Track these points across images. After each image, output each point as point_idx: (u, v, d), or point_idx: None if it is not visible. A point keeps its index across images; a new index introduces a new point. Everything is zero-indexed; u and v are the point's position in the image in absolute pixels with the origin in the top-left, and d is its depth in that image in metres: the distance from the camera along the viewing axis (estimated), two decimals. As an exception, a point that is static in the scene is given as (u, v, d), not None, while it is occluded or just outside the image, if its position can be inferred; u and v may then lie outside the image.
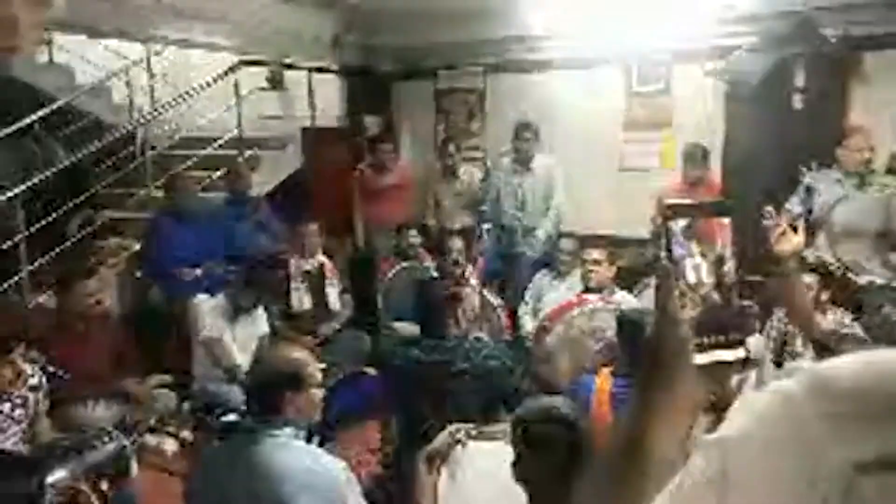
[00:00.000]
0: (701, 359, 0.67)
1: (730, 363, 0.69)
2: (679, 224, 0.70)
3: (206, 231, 4.43)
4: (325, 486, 1.89)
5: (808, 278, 3.44)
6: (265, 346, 3.79)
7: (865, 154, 3.80)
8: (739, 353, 0.69)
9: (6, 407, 2.46)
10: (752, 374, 2.96)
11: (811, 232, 3.94)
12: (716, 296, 0.69)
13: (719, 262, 0.70)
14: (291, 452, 1.90)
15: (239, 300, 3.85)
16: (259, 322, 4.08)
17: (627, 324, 2.49)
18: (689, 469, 0.50)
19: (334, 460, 2.02)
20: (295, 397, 1.96)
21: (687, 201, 0.73)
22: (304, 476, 1.86)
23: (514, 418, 1.76)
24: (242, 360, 3.72)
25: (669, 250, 0.70)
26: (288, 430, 1.93)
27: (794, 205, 3.97)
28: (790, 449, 0.44)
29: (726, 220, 0.71)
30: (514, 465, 1.70)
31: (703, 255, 0.70)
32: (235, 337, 3.87)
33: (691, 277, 0.69)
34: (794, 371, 0.48)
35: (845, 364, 0.47)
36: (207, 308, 3.86)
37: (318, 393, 2.04)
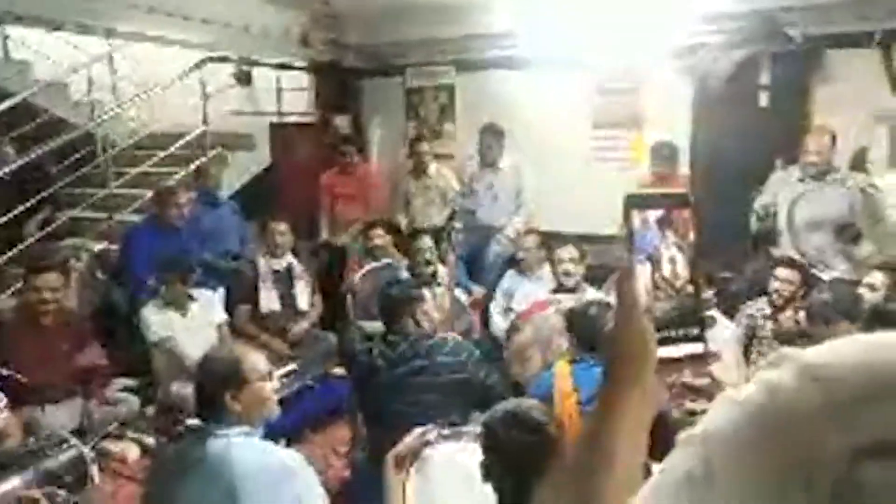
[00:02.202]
0: (662, 353, 0.67)
1: (690, 357, 0.68)
2: (654, 215, 0.69)
3: (182, 239, 4.32)
4: (279, 480, 1.85)
5: (791, 274, 3.49)
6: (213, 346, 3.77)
7: (823, 154, 3.86)
8: (699, 346, 0.68)
9: None
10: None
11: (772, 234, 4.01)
12: (690, 288, 0.68)
13: (694, 254, 0.69)
14: (243, 450, 1.86)
15: (168, 289, 3.83)
16: (213, 309, 4.04)
17: (574, 315, 2.61)
18: (670, 466, 0.48)
19: (289, 452, 1.98)
20: (238, 394, 1.91)
21: (646, 192, 0.73)
22: (258, 472, 1.82)
23: (482, 422, 1.74)
24: (199, 354, 3.69)
25: (631, 242, 0.69)
26: (238, 429, 1.89)
27: (758, 204, 4.03)
28: (783, 440, 0.42)
29: (686, 213, 0.70)
30: (482, 465, 1.68)
31: (679, 248, 0.69)
32: (188, 327, 3.83)
33: (667, 270, 0.68)
34: (779, 360, 0.46)
35: (834, 349, 0.45)
36: (153, 307, 3.80)
37: (264, 387, 1.98)
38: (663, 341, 0.67)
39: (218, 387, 1.91)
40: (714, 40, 4.47)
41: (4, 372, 2.90)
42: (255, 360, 2.00)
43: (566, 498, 0.67)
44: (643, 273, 0.67)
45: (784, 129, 4.23)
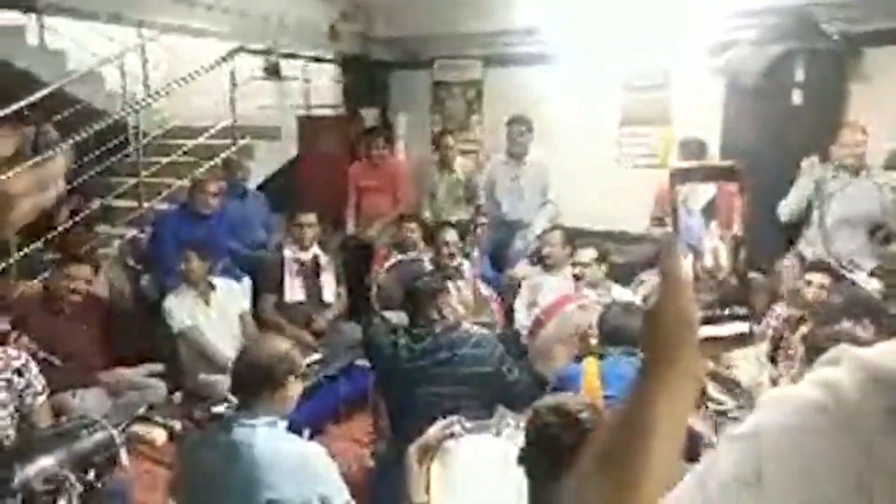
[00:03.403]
0: (705, 331, 0.64)
1: (733, 337, 0.66)
2: (698, 204, 0.67)
3: (210, 227, 4.38)
4: (301, 470, 1.88)
5: (823, 278, 3.43)
6: (249, 337, 3.82)
7: (858, 150, 3.79)
8: (743, 326, 0.66)
9: None
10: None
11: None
12: (733, 281, 0.66)
13: (737, 245, 0.67)
14: (267, 440, 1.90)
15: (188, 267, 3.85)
16: (236, 298, 4.08)
17: (604, 312, 2.64)
18: (715, 464, 0.45)
19: (311, 444, 2.03)
20: (276, 389, 1.97)
21: (693, 164, 0.70)
22: (281, 461, 1.85)
23: (532, 408, 1.77)
24: (223, 343, 3.78)
25: (675, 218, 0.66)
26: (264, 419, 1.94)
27: (791, 204, 3.97)
28: (839, 444, 0.40)
29: (733, 195, 0.68)
30: (520, 451, 1.70)
31: (722, 239, 0.67)
32: (211, 317, 3.88)
33: (709, 261, 0.66)
34: (837, 358, 0.44)
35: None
36: (175, 297, 3.85)
37: (297, 383, 2.05)
38: (707, 320, 0.64)
39: (260, 380, 1.97)
40: (748, 36, 4.39)
41: (41, 354, 2.95)
42: (296, 357, 2.06)
43: (596, 486, 0.63)
44: (686, 262, 0.65)
45: (818, 127, 4.14)
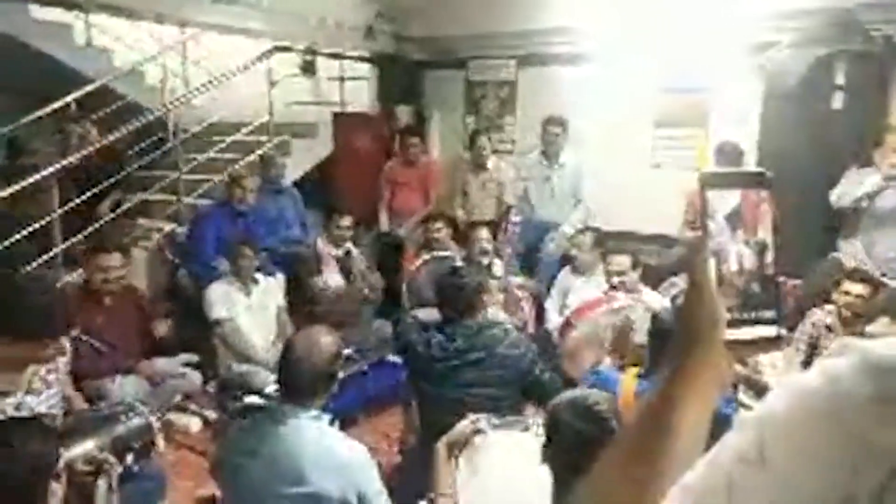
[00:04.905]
0: (731, 334, 0.65)
1: (761, 340, 0.67)
2: (725, 209, 0.68)
3: (248, 223, 4.48)
4: (349, 467, 1.91)
5: (862, 288, 3.36)
6: (283, 329, 3.90)
7: None
8: (771, 330, 0.67)
9: (41, 370, 2.49)
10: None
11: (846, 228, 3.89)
12: (756, 287, 0.67)
13: (762, 250, 0.68)
14: (317, 433, 1.93)
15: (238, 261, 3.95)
16: (273, 294, 4.16)
17: (660, 329, 2.46)
18: (724, 446, 0.48)
19: (357, 444, 2.05)
20: (331, 385, 2.03)
21: (724, 170, 0.71)
22: (328, 457, 1.89)
23: (551, 403, 1.77)
24: (258, 335, 3.88)
25: (705, 222, 0.67)
26: (314, 412, 1.97)
27: (840, 195, 3.91)
28: (833, 430, 0.42)
29: (766, 205, 0.68)
30: (542, 448, 1.71)
31: (747, 243, 0.68)
32: (250, 308, 3.96)
33: (734, 266, 0.67)
34: (842, 349, 0.45)
35: None
36: (218, 288, 3.92)
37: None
38: (735, 323, 0.65)
39: (319, 378, 2.00)
40: (787, 38, 4.32)
41: (83, 337, 3.03)
42: (342, 353, 2.11)
43: (614, 483, 0.64)
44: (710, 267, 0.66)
45: (859, 132, 4.06)
